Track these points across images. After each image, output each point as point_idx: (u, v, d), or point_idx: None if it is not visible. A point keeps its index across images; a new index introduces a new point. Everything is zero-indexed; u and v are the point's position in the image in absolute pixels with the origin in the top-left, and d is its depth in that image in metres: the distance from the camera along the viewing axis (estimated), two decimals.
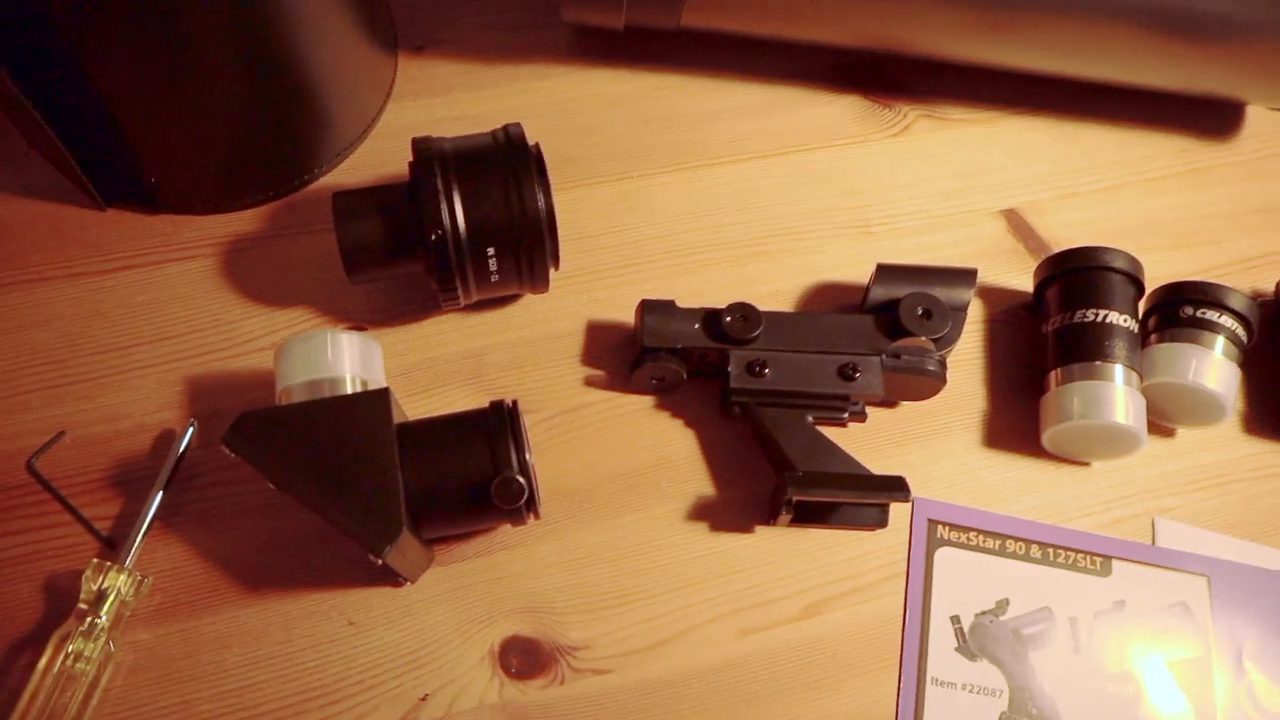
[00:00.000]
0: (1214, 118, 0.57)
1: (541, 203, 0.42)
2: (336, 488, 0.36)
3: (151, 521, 0.40)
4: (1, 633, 0.39)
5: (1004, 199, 0.53)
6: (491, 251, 0.41)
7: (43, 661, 0.37)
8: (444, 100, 0.53)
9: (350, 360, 0.40)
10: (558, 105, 0.53)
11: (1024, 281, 0.50)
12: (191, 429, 0.43)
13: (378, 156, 0.51)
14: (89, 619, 0.38)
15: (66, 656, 0.37)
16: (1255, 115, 0.58)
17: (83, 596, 0.38)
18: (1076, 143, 0.55)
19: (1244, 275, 0.52)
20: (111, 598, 0.38)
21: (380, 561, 0.36)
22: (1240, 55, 0.49)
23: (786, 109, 0.54)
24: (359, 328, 0.46)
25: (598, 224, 0.49)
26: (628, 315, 0.47)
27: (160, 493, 0.41)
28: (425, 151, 0.42)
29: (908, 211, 0.52)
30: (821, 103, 0.55)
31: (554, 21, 0.56)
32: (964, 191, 0.53)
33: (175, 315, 0.46)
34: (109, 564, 0.39)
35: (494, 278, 0.42)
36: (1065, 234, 0.52)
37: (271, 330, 0.46)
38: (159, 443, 0.43)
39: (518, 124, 0.44)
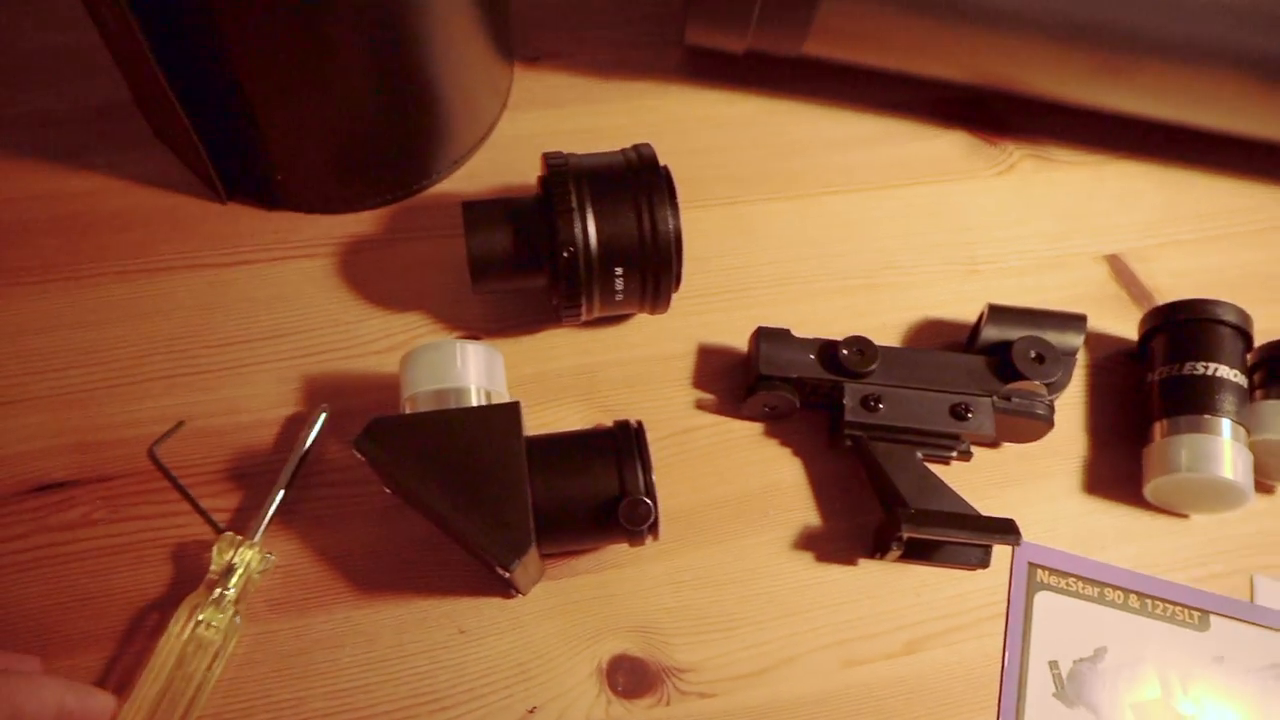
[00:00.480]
0: None
1: (673, 225, 0.42)
2: (465, 499, 0.36)
3: (279, 502, 0.41)
4: (124, 610, 0.40)
5: (1107, 244, 0.53)
6: (620, 271, 0.42)
7: (175, 626, 0.38)
8: (559, 113, 0.53)
9: (476, 371, 0.40)
10: (671, 124, 0.53)
11: (1126, 328, 0.50)
12: (324, 415, 0.43)
13: (492, 165, 0.51)
14: (218, 590, 0.38)
15: (197, 624, 0.38)
16: None
17: (213, 568, 0.39)
18: (1180, 190, 0.55)
19: None
20: (240, 571, 0.39)
21: (507, 574, 0.36)
22: None
23: (895, 141, 0.55)
24: (474, 336, 0.47)
25: (709, 247, 0.50)
26: (737, 340, 0.47)
27: (292, 471, 0.42)
28: (560, 168, 0.42)
29: (1013, 251, 0.52)
30: (929, 136, 0.55)
31: (668, 39, 0.56)
32: (1068, 234, 0.53)
33: (294, 312, 0.47)
34: (240, 537, 0.39)
35: (618, 297, 0.43)
36: (1168, 283, 0.52)
37: (389, 333, 0.46)
38: (277, 438, 0.44)
39: (648, 145, 0.44)
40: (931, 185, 0.53)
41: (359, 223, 0.49)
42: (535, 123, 0.53)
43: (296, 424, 0.44)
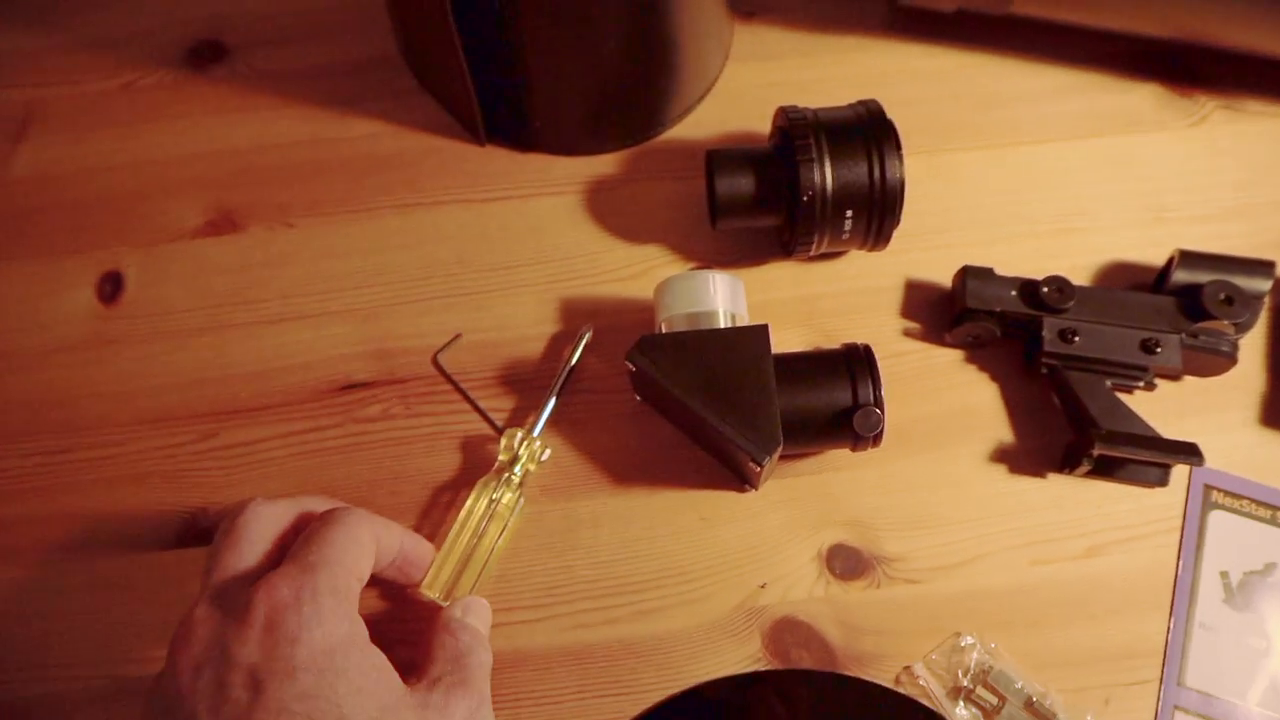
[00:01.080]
0: None
1: (900, 174, 0.47)
2: (723, 405, 0.43)
3: (553, 407, 0.49)
4: (422, 488, 0.48)
5: None
6: (849, 214, 0.48)
7: (471, 500, 0.46)
8: (774, 65, 0.58)
9: (724, 296, 0.47)
10: (875, 77, 0.58)
11: None
12: (589, 333, 0.50)
13: (717, 115, 0.57)
14: (506, 474, 0.46)
15: (492, 501, 0.46)
16: None
17: (501, 456, 0.47)
18: None
19: None
20: (523, 459, 0.47)
21: (759, 468, 0.43)
22: None
23: (1088, 93, 0.58)
24: (705, 267, 0.53)
25: (912, 192, 0.54)
26: (940, 277, 0.52)
27: (563, 380, 0.49)
28: (800, 120, 0.48)
29: (1200, 200, 0.55)
30: (1122, 89, 0.58)
31: None
32: (1257, 183, 0.56)
33: (548, 243, 0.54)
34: (522, 432, 0.47)
35: (845, 235, 0.49)
36: None
37: (631, 263, 0.53)
38: (542, 352, 0.51)
39: (875, 100, 0.49)
40: (1123, 136, 0.57)
41: (601, 164, 0.56)
42: (753, 75, 0.58)
43: (557, 340, 0.51)
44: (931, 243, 0.54)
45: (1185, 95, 0.58)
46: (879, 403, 0.44)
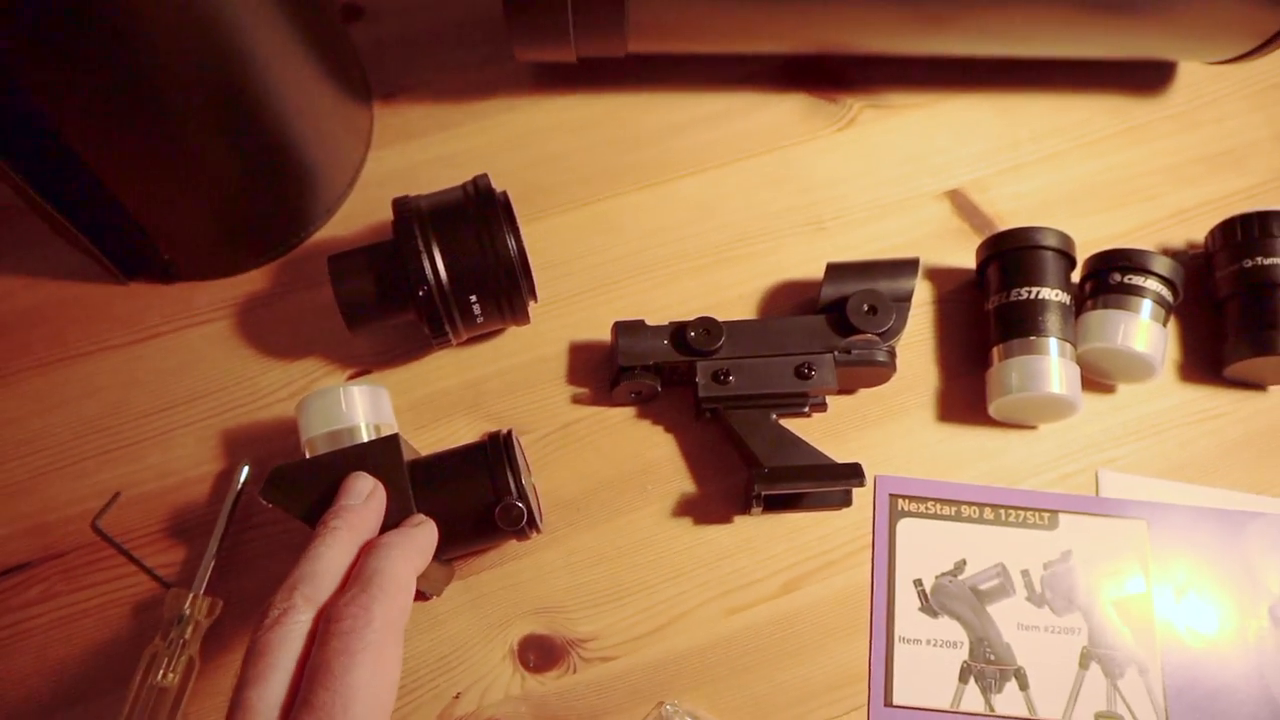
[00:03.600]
0: (1146, 74, 0.60)
1: (513, 248, 0.46)
2: None
3: (216, 554, 0.46)
4: (96, 668, 0.45)
5: (948, 180, 0.56)
6: (474, 299, 0.46)
7: (136, 678, 0.43)
8: (419, 144, 0.57)
9: (363, 408, 0.45)
10: (525, 136, 0.57)
11: (970, 260, 0.54)
12: (245, 470, 0.48)
13: (366, 206, 0.55)
14: (171, 639, 0.44)
15: (156, 672, 0.43)
16: (1187, 67, 0.60)
17: (165, 620, 0.44)
18: (1015, 115, 0.58)
19: (1179, 229, 0.55)
20: (188, 620, 0.44)
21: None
22: (1169, 21, 0.52)
23: (738, 115, 0.58)
24: (366, 370, 0.51)
25: (571, 249, 0.54)
26: (605, 333, 0.51)
27: (224, 526, 0.47)
28: (405, 212, 0.46)
29: (858, 203, 0.55)
30: (771, 104, 0.58)
31: (512, 55, 0.59)
32: (910, 177, 0.56)
33: (203, 376, 0.51)
34: (185, 591, 0.45)
35: (479, 319, 0.47)
36: (1008, 207, 0.56)
37: (289, 381, 0.51)
38: (208, 494, 0.49)
39: (485, 175, 0.48)
40: (775, 152, 0.57)
41: (250, 281, 0.53)
42: (399, 158, 0.56)
43: (222, 478, 0.49)
44: (596, 298, 0.53)
45: (832, 100, 0.58)
46: (520, 492, 0.42)
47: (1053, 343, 0.48)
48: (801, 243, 0.54)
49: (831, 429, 0.50)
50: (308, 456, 0.45)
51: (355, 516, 0.39)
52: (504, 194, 0.48)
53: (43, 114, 0.43)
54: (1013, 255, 0.50)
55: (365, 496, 0.40)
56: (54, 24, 0.38)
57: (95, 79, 0.41)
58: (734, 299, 0.53)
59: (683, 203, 0.55)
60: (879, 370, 0.49)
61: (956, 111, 0.58)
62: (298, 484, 0.42)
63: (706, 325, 0.48)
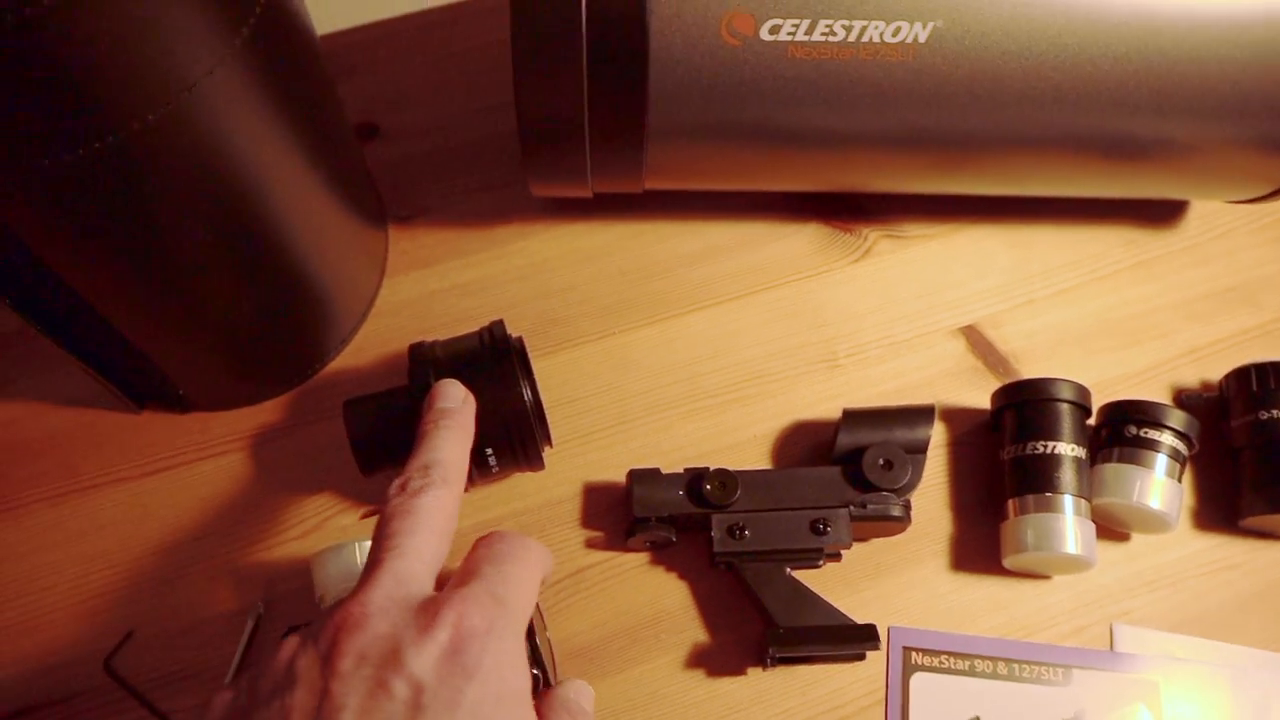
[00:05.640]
0: (1159, 208, 0.60)
1: (529, 399, 0.46)
2: None
3: None
4: None
5: (963, 315, 0.56)
6: (490, 451, 0.46)
7: None
8: (434, 271, 0.57)
9: None
10: (537, 265, 0.57)
11: (985, 399, 0.54)
12: (259, 611, 0.48)
13: (380, 336, 0.55)
14: None
15: None
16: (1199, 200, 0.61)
17: None
18: (1029, 247, 0.59)
19: (1193, 368, 0.55)
20: None
21: None
22: (1186, 167, 0.52)
23: (753, 245, 0.58)
24: (380, 509, 0.51)
25: (585, 385, 0.54)
26: (619, 474, 0.51)
27: (237, 663, 0.47)
28: (421, 360, 0.47)
29: (873, 339, 0.55)
30: (786, 235, 0.58)
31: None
32: (925, 312, 0.56)
33: (215, 511, 0.51)
34: None
35: (494, 470, 0.47)
36: (1022, 345, 0.56)
37: (303, 518, 0.51)
38: (220, 634, 0.48)
39: (500, 322, 0.48)
40: (790, 285, 0.57)
41: (265, 413, 0.53)
42: (414, 285, 0.56)
43: (236, 619, 0.49)
44: (610, 438, 0.53)
45: (848, 230, 0.58)
46: (536, 653, 0.42)
47: (1068, 500, 0.48)
48: (816, 381, 0.54)
49: (844, 577, 0.50)
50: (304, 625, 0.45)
51: (461, 416, 0.41)
52: (519, 340, 0.48)
53: (41, 259, 0.42)
54: (1029, 406, 0.50)
55: (461, 401, 0.42)
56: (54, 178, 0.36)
57: (99, 224, 0.40)
58: (747, 440, 0.53)
59: (696, 337, 0.55)
60: (893, 524, 0.48)
61: (971, 243, 0.59)
62: None
63: (722, 478, 0.48)
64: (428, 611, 0.33)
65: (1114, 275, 0.58)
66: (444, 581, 0.36)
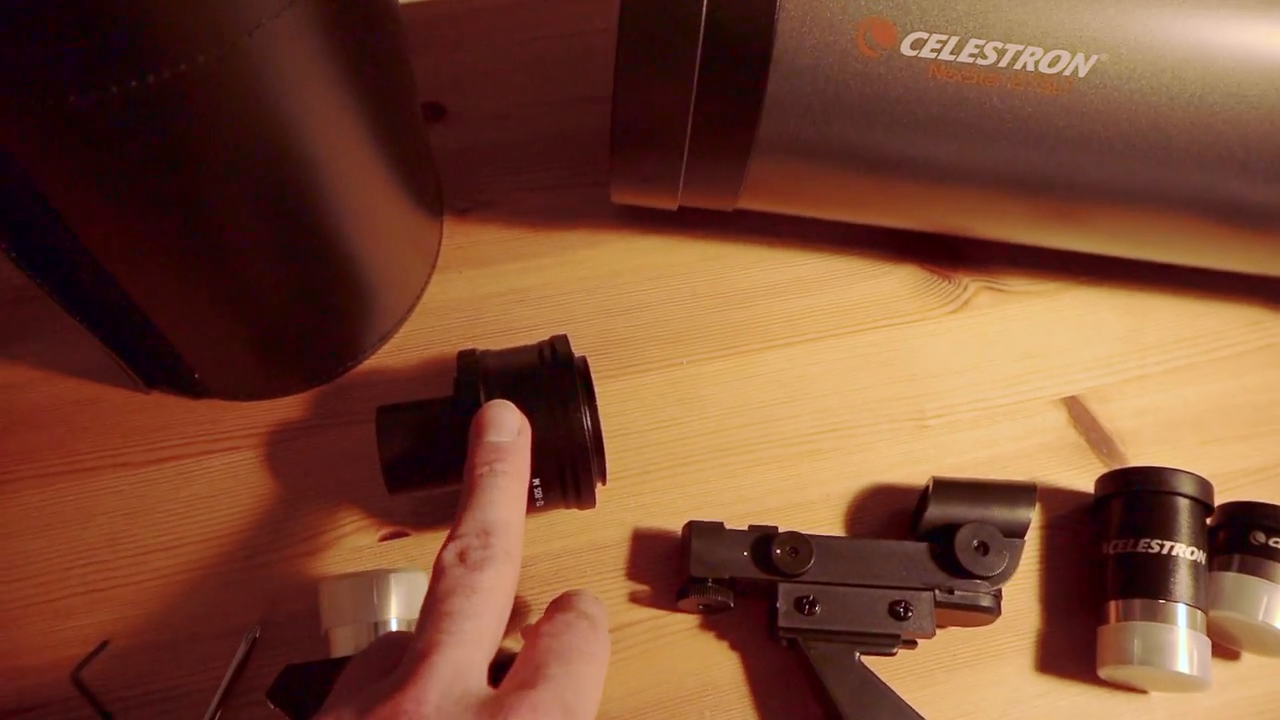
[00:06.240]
0: None
1: (589, 428, 0.41)
2: None
3: None
4: None
5: (1066, 385, 0.51)
6: (537, 482, 0.41)
7: None
8: (490, 272, 0.51)
9: (396, 602, 0.40)
10: (605, 278, 0.52)
11: (1086, 479, 0.48)
12: (255, 634, 0.42)
13: (422, 337, 0.50)
14: None
15: None
16: None
17: None
18: (1142, 317, 0.53)
19: None
20: None
21: None
22: None
23: (842, 282, 0.52)
24: (402, 533, 0.45)
25: (646, 418, 0.48)
26: (674, 522, 0.46)
27: (222, 692, 0.41)
28: (469, 372, 0.41)
29: (965, 401, 0.50)
30: (878, 274, 0.53)
31: (601, 180, 0.54)
32: (1025, 377, 0.51)
33: (220, 513, 0.46)
34: None
35: (539, 503, 0.42)
36: (1130, 425, 0.50)
37: (317, 531, 0.45)
38: (208, 655, 0.43)
39: (564, 338, 0.43)
40: (879, 330, 0.51)
41: (285, 408, 0.48)
42: (466, 285, 0.51)
43: (228, 638, 0.43)
44: (668, 480, 0.47)
45: (946, 277, 0.53)
46: None
47: (1182, 610, 0.42)
48: (899, 440, 0.49)
49: (916, 666, 0.44)
50: (331, 649, 0.40)
51: (517, 459, 0.36)
52: (583, 360, 0.42)
53: (58, 212, 0.36)
54: (1143, 498, 0.44)
55: (516, 432, 0.37)
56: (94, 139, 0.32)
57: (127, 178, 0.34)
58: (818, 499, 0.47)
59: (772, 377, 0.50)
60: (982, 615, 0.43)
61: (1079, 305, 0.53)
62: (313, 690, 0.36)
63: (794, 543, 0.42)
64: (495, 703, 0.28)
65: (1236, 358, 0.52)
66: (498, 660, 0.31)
